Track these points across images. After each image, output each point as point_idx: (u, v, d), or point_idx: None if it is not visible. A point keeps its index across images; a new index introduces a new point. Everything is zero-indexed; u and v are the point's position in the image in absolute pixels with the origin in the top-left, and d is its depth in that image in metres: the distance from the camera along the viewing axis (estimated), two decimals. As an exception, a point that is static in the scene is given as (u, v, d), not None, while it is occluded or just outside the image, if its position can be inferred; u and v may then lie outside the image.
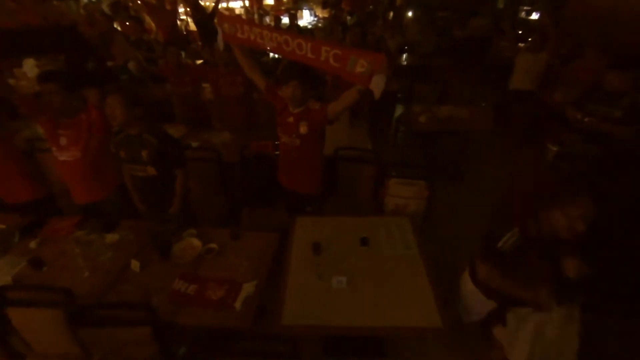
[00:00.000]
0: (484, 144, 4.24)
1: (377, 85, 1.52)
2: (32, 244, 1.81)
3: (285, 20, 6.74)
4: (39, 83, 1.85)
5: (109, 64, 3.42)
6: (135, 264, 1.66)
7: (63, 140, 1.92)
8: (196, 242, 1.80)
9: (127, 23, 4.57)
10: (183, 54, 3.38)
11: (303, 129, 1.90)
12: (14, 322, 1.46)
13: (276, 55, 5.60)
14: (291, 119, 1.92)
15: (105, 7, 4.98)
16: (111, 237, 1.84)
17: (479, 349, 1.98)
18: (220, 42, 2.05)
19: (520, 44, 4.39)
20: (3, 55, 2.71)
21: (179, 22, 5.67)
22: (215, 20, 5.26)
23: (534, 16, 7.06)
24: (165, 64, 3.23)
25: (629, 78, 2.22)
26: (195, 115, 3.39)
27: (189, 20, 5.70)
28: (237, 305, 1.46)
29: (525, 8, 7.35)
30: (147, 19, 4.49)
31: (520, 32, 6.07)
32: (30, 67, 3.79)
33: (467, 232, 2.89)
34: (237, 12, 7.36)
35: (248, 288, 1.54)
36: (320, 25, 7.89)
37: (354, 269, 1.65)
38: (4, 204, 2.15)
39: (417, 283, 1.58)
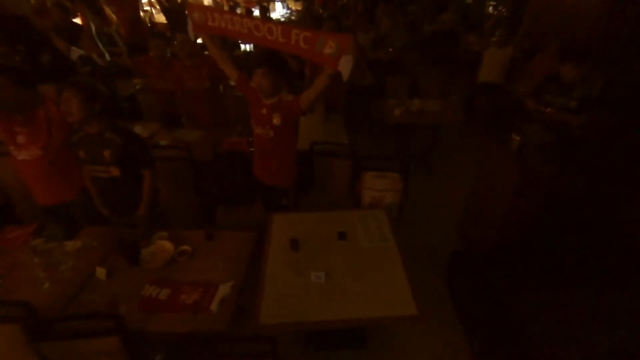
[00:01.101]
0: (455, 136, 4.38)
1: (345, 66, 1.50)
2: (-16, 256, 1.67)
3: (257, 13, 6.59)
4: None
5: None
6: (100, 272, 1.57)
7: (21, 139, 1.79)
8: (167, 245, 1.72)
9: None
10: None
11: (276, 120, 1.87)
12: (-35, 342, 1.34)
13: (247, 48, 5.49)
14: (264, 111, 1.90)
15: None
16: (73, 245, 1.72)
17: (450, 328, 2.07)
18: (190, 33, 1.96)
19: (492, 39, 4.56)
20: None
21: (142, 14, 5.37)
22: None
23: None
24: (146, 57, 3.05)
25: (582, 70, 2.37)
26: (168, 113, 3.24)
27: (153, 11, 5.42)
28: (213, 307, 1.42)
29: (491, 3, 7.61)
30: (107, 10, 4.22)
31: (487, 26, 6.30)
32: None
33: (440, 221, 3.00)
34: (205, 3, 7.09)
35: (224, 289, 1.50)
36: (293, 18, 7.79)
37: (332, 263, 1.65)
38: None
39: (393, 273, 1.60)
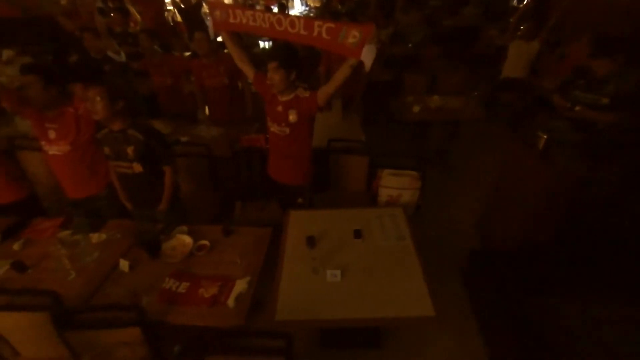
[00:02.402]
0: (475, 133, 4.25)
1: (368, 55, 1.50)
2: (16, 246, 1.75)
3: (276, 10, 6.61)
4: (21, 74, 1.79)
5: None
6: (124, 264, 1.62)
7: (52, 134, 1.88)
8: (187, 240, 1.76)
9: (112, 14, 4.41)
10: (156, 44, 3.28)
11: (292, 117, 1.87)
12: (-1, 327, 1.41)
13: (266, 46, 5.52)
14: (280, 108, 1.89)
15: None
16: (98, 237, 1.79)
17: (467, 331, 2.01)
18: (210, 31, 1.99)
19: (517, 32, 4.39)
20: None
21: (165, 13, 5.50)
22: (204, 10, 5.13)
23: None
24: (147, 56, 3.14)
25: (616, 65, 2.23)
26: (178, 109, 3.31)
27: (176, 11, 5.53)
28: (230, 302, 1.44)
29: (516, -5, 7.32)
30: (133, 10, 4.34)
31: (511, 19, 6.08)
32: (10, 59, 3.65)
33: (458, 220, 2.92)
34: (226, 2, 7.17)
35: (241, 285, 1.51)
36: (311, 14, 7.77)
37: (348, 261, 1.64)
38: None
39: (410, 273, 1.57)
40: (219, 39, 2.24)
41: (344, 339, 1.97)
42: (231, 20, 1.84)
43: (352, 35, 1.49)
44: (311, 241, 1.74)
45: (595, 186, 1.91)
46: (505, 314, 1.84)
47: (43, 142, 1.90)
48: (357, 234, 1.81)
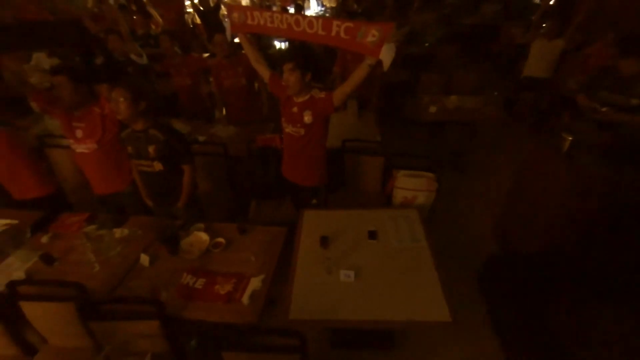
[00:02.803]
0: (494, 134, 4.15)
1: (387, 54, 1.49)
2: (44, 239, 1.84)
3: (292, 11, 6.65)
4: (51, 75, 1.87)
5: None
6: (144, 259, 1.67)
7: (79, 133, 1.96)
8: (204, 237, 1.80)
9: (135, 17, 4.56)
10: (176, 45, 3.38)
11: (307, 118, 1.88)
12: (28, 316, 1.49)
13: (283, 46, 5.57)
14: (295, 109, 1.90)
15: (111, 2, 4.96)
16: (120, 232, 1.86)
17: (482, 338, 1.97)
18: (228, 33, 2.02)
19: (540, 30, 4.26)
20: (10, 49, 2.73)
21: (185, 15, 5.63)
22: (222, 12, 5.22)
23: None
24: (167, 56, 3.23)
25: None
26: (196, 109, 3.39)
27: (195, 13, 5.66)
28: (245, 299, 1.46)
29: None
30: (154, 13, 4.47)
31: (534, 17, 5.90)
32: (41, 61, 3.83)
33: (475, 222, 2.86)
34: (243, 3, 7.26)
35: (255, 282, 1.54)
36: (327, 15, 7.76)
37: (361, 262, 1.64)
38: (12, 201, 2.19)
39: (425, 276, 1.55)
40: (236, 40, 2.27)
41: (355, 339, 1.97)
42: (249, 22, 1.87)
43: (371, 34, 1.48)
44: (325, 241, 1.75)
45: (622, 190, 1.83)
46: (524, 322, 1.79)
47: (71, 141, 1.99)
48: (372, 234, 1.81)
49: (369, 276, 1.57)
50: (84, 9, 4.57)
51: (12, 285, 1.47)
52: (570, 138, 1.95)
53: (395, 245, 1.74)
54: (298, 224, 1.92)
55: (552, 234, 2.04)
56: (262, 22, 1.82)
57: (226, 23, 1.96)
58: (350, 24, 1.55)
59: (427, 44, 5.56)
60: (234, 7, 1.99)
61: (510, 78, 4.56)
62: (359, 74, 1.68)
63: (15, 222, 1.97)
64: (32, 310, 1.48)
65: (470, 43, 6.14)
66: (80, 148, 1.98)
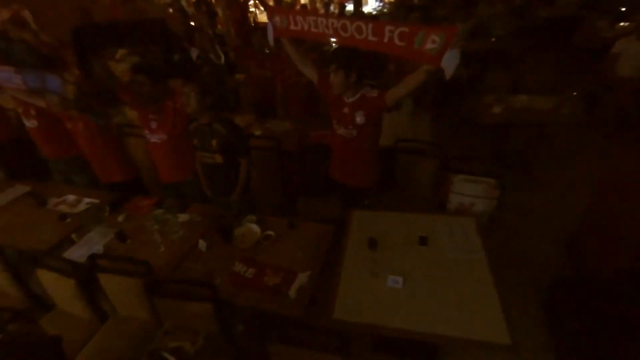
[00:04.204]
0: (569, 138, 3.70)
1: (450, 62, 1.31)
2: (120, 218, 2.07)
3: (350, 7, 6.59)
4: (132, 73, 2.06)
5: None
6: (202, 244, 1.80)
7: (153, 124, 2.14)
8: (255, 228, 1.87)
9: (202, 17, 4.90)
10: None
11: (360, 119, 1.82)
12: (103, 286, 1.69)
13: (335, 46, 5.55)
14: (346, 109, 1.85)
15: (183, 3, 5.39)
16: (183, 217, 2.01)
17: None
18: (270, 37, 1.97)
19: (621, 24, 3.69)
20: (102, 46, 3.09)
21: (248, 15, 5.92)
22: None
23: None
24: (247, 50, 3.40)
25: None
26: (265, 104, 3.52)
27: (257, 12, 5.92)
28: (291, 293, 1.49)
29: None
30: (220, 13, 4.78)
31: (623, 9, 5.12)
32: (122, 57, 4.31)
33: (543, 237, 2.59)
34: (302, 2, 7.35)
35: (302, 278, 1.56)
36: (385, 10, 7.55)
37: (411, 268, 1.57)
38: (99, 184, 2.49)
39: (481, 291, 1.44)
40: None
41: (396, 347, 1.91)
42: (292, 27, 1.78)
43: (431, 40, 1.32)
44: (373, 243, 1.71)
45: None
46: (596, 354, 1.58)
47: (146, 131, 2.19)
48: (423, 240, 1.72)
49: (417, 284, 1.50)
50: (165, 11, 5.04)
51: (92, 258, 1.68)
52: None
53: (448, 255, 1.64)
54: (346, 224, 1.91)
55: (637, 257, 1.76)
56: (305, 27, 1.72)
57: (268, 26, 1.90)
58: (405, 29, 1.38)
59: (493, 39, 5.13)
60: (277, 10, 1.90)
61: (593, 77, 4.02)
62: (416, 79, 1.56)
63: (96, 201, 2.24)
64: (106, 281, 1.67)
65: (545, 37, 5.54)
66: (154, 138, 2.17)
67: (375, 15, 7.19)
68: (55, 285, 1.73)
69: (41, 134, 2.48)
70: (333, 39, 1.73)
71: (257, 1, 5.44)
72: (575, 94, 3.34)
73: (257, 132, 2.94)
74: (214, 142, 1.95)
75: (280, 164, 2.66)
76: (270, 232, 1.85)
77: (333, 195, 2.44)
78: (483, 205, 2.05)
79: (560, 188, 3.08)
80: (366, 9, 7.93)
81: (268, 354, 1.32)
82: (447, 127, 3.96)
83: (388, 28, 1.43)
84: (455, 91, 3.87)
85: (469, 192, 2.06)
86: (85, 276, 1.66)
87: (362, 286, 1.52)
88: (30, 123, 2.44)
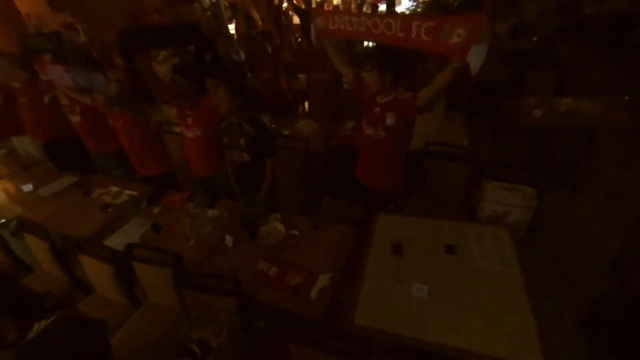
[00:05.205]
0: (619, 146, 3.40)
1: (476, 57, 1.28)
2: (155, 210, 2.19)
3: (383, 7, 6.51)
4: (173, 73, 2.18)
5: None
6: (229, 240, 1.85)
7: (189, 120, 2.25)
8: (280, 227, 1.90)
9: (237, 20, 5.07)
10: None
11: (390, 120, 1.79)
12: (138, 274, 1.79)
13: (370, 45, 5.49)
14: (377, 110, 1.83)
15: (221, 6, 5.59)
16: (212, 213, 2.09)
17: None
18: (313, 39, 2.04)
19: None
20: (146, 48, 3.29)
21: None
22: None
23: None
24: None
25: None
26: (278, 104, 3.58)
27: (290, 13, 5.99)
28: (313, 294, 1.50)
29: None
30: (255, 15, 4.90)
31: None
32: (164, 59, 4.56)
33: (585, 253, 2.39)
34: (334, 2, 7.36)
35: (324, 279, 1.56)
36: (419, 10, 7.36)
37: (437, 277, 1.52)
38: (136, 177, 2.65)
39: (514, 306, 1.36)
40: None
41: (419, 357, 1.84)
42: (330, 27, 1.84)
43: (457, 33, 1.29)
44: (398, 248, 1.67)
45: None
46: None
47: (182, 127, 2.29)
48: (450, 249, 1.66)
49: (444, 294, 1.44)
50: (196, 13, 5.26)
51: (129, 247, 1.79)
52: None
53: (479, 266, 1.56)
54: (370, 227, 1.88)
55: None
56: (342, 26, 1.78)
57: (312, 27, 1.98)
58: (431, 23, 1.38)
59: (535, 38, 4.83)
60: (319, 11, 2.00)
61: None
62: (443, 78, 1.53)
63: (135, 193, 2.38)
64: (141, 270, 1.77)
65: (594, 36, 5.13)
66: (189, 134, 2.27)
67: (405, 15, 7.01)
68: (95, 271, 1.86)
69: (84, 129, 2.69)
70: (366, 38, 1.76)
71: (289, 4, 5.50)
72: (627, 97, 3.05)
73: (285, 132, 2.98)
74: (242, 141, 2.01)
75: (306, 164, 2.68)
76: (295, 232, 1.86)
77: (358, 198, 2.42)
78: (519, 215, 1.93)
79: (607, 201, 2.83)
80: (399, 8, 7.77)
81: (288, 354, 1.33)
82: (482, 131, 3.77)
83: (415, 23, 1.44)
84: (492, 92, 3.69)
85: (504, 200, 1.95)
86: (122, 264, 1.77)
87: (385, 292, 1.49)
88: (74, 119, 2.66)
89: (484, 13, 1.28)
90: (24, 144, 3.29)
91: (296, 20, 5.88)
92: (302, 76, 3.89)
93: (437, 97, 1.67)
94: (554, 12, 5.18)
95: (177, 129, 2.84)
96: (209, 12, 5.11)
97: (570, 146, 3.16)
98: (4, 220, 2.47)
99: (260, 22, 4.86)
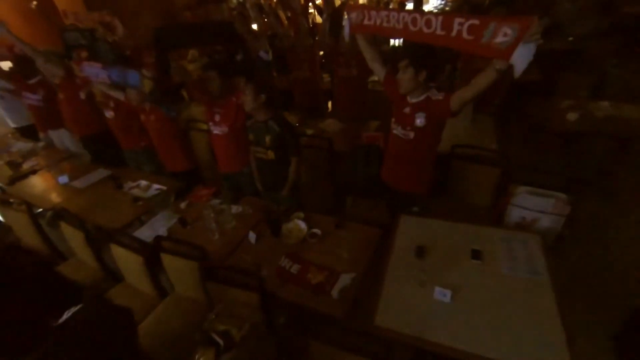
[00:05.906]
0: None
1: (522, 58, 1.22)
2: (182, 205, 2.26)
3: (410, 6, 6.41)
4: (204, 71, 2.24)
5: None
6: (252, 236, 1.89)
7: (217, 117, 2.30)
8: (302, 225, 1.92)
9: (266, 20, 5.13)
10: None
11: (420, 121, 1.75)
12: (165, 266, 1.86)
13: (396, 43, 5.42)
14: (408, 110, 1.80)
15: (248, 6, 5.68)
16: (236, 209, 2.13)
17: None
18: (346, 34, 2.02)
19: None
20: (176, 46, 3.38)
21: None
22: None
23: None
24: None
25: None
26: (310, 104, 3.59)
27: (315, 12, 6.01)
28: (334, 293, 1.50)
29: None
30: (282, 15, 4.95)
31: None
32: (194, 57, 4.71)
33: (619, 264, 2.27)
34: (360, 1, 7.32)
35: (345, 279, 1.57)
36: (447, 8, 7.19)
37: (460, 282, 1.49)
38: (165, 171, 2.75)
39: (542, 315, 1.31)
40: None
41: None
42: (365, 22, 1.80)
43: (503, 32, 1.23)
44: (421, 251, 1.66)
45: None
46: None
47: (210, 123, 2.35)
48: (476, 254, 1.62)
49: (468, 300, 1.41)
50: (225, 12, 5.38)
51: (157, 239, 1.86)
52: None
53: (506, 273, 1.52)
54: (393, 228, 1.86)
55: None
56: (378, 22, 1.73)
57: (345, 22, 1.95)
58: (475, 21, 1.31)
59: (570, 38, 4.61)
60: (353, 7, 1.96)
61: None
62: (484, 79, 1.45)
63: (164, 188, 2.47)
64: (168, 261, 1.84)
65: (634, 37, 4.82)
66: (217, 130, 2.33)
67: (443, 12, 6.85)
68: (126, 260, 1.95)
69: (117, 124, 2.81)
70: (402, 36, 1.71)
71: (313, 4, 5.50)
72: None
73: (309, 131, 2.99)
74: (267, 139, 2.04)
75: (330, 164, 2.68)
76: (317, 230, 1.88)
77: (382, 199, 2.40)
78: (549, 222, 1.86)
79: (646, 210, 2.67)
80: (427, 7, 7.61)
81: (308, 351, 1.34)
82: (512, 134, 3.64)
83: (457, 21, 1.37)
84: (523, 94, 3.55)
85: (534, 206, 1.88)
86: (151, 255, 1.85)
87: (407, 295, 1.48)
88: (108, 114, 2.78)
89: (534, 17, 1.23)
90: (61, 137, 3.47)
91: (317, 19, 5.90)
92: (325, 75, 3.87)
93: (474, 100, 1.60)
94: (592, 12, 4.91)
95: (204, 126, 2.92)
96: (235, 12, 5.21)
97: (607, 153, 2.99)
98: (41, 210, 2.63)
99: (286, 22, 4.90)
